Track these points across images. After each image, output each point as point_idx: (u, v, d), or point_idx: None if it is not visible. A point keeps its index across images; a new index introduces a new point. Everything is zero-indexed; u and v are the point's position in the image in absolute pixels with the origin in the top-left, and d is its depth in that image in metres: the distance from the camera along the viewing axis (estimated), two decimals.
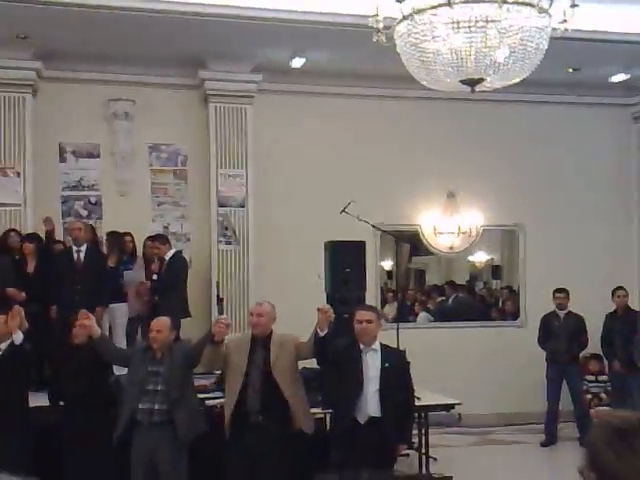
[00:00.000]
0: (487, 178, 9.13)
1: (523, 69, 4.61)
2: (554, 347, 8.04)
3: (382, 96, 8.96)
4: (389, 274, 9.19)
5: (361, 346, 4.74)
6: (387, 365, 4.71)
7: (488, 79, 4.59)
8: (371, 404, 4.63)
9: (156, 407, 4.81)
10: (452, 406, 6.73)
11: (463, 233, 9.02)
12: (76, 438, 5.00)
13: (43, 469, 4.94)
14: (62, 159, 8.38)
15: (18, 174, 7.94)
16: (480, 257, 9.56)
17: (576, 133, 9.44)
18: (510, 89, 5.29)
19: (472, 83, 4.56)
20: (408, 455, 6.41)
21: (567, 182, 9.40)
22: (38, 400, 5.41)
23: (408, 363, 5.01)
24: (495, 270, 9.81)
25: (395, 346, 5.68)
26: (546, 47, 4.54)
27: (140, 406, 4.82)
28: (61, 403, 5.34)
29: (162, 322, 5.02)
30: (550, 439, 7.96)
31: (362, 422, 4.64)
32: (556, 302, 8.17)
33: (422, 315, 9.31)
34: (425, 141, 9.03)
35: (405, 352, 4.98)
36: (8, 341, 5.02)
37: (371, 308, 5.07)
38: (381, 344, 4.85)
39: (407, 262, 8.87)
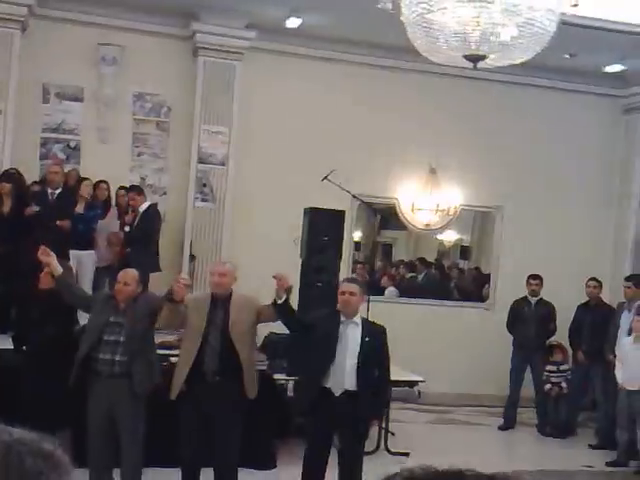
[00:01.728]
0: (470, 157, 8.79)
1: (528, 50, 4.40)
2: (522, 333, 7.78)
3: (373, 65, 8.56)
4: (357, 245, 8.90)
5: (342, 318, 4.53)
6: (367, 339, 4.50)
7: (492, 56, 4.34)
8: (348, 377, 4.44)
9: (117, 358, 4.58)
10: (415, 383, 6.53)
11: (441, 211, 8.70)
12: (37, 384, 4.78)
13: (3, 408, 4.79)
14: (45, 100, 7.92)
15: (0, 112, 7.47)
16: (449, 236, 9.26)
17: (565, 120, 9.07)
18: (502, 69, 5.01)
19: (475, 59, 4.31)
20: (393, 433, 6.20)
21: (551, 168, 9.06)
22: (1, 342, 5.20)
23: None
24: (463, 250, 9.54)
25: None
26: (554, 30, 4.28)
27: (101, 356, 4.57)
28: (24, 348, 5.10)
29: (130, 275, 4.75)
30: (508, 423, 7.75)
31: (337, 394, 4.43)
32: (529, 288, 7.91)
33: (390, 289, 9.00)
34: (412, 114, 8.64)
35: (385, 329, 4.69)
36: None
37: (355, 281, 4.87)
38: (362, 318, 4.65)
39: (376, 235, 8.60)
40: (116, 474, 4.69)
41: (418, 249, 9.47)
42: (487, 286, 9.17)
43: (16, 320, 5.53)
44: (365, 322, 4.63)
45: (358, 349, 4.45)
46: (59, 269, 4.69)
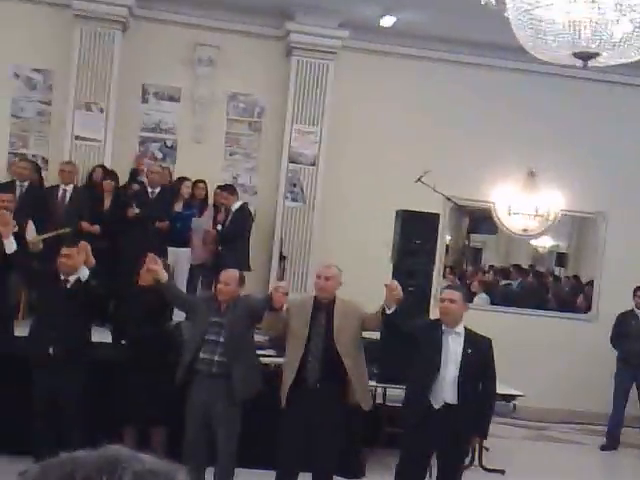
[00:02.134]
0: (571, 159, 8.34)
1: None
2: (628, 348, 7.25)
3: (469, 63, 8.27)
4: (446, 249, 8.60)
5: (443, 327, 4.30)
6: (470, 351, 4.24)
7: (604, 54, 4.04)
8: (448, 390, 4.20)
9: (216, 358, 4.57)
10: (513, 397, 6.22)
11: (540, 216, 8.31)
12: (138, 375, 4.88)
13: (101, 402, 4.95)
14: (144, 100, 8.10)
15: (102, 110, 7.70)
16: (545, 242, 8.82)
17: None
18: (603, 68, 4.69)
19: (586, 57, 4.02)
20: (487, 449, 5.95)
21: None
22: (99, 336, 5.30)
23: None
24: (560, 257, 9.06)
25: None
26: None
27: (201, 355, 4.59)
28: (122, 343, 5.21)
29: (232, 275, 4.74)
30: (611, 443, 7.23)
31: (436, 407, 4.22)
32: (636, 301, 7.39)
33: (481, 296, 8.65)
34: (510, 115, 8.29)
35: (491, 340, 4.40)
36: (77, 275, 4.85)
37: (457, 288, 4.64)
38: (466, 328, 4.36)
39: (465, 239, 8.29)
40: (209, 473, 4.69)
41: (509, 254, 9.08)
42: (582, 296, 8.73)
43: (115, 315, 5.63)
44: (468, 332, 4.35)
45: (459, 360, 4.21)
46: (165, 276, 4.75)
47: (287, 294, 4.47)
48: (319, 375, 4.36)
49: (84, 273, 4.78)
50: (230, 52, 8.07)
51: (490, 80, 8.31)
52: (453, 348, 4.24)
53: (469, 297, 8.17)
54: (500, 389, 6.07)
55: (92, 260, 4.98)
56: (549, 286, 9.07)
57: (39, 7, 7.76)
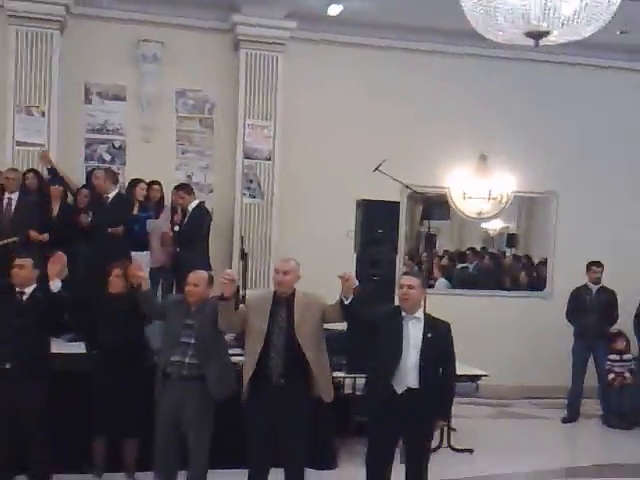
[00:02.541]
0: (521, 142, 8.45)
1: (590, 26, 4.10)
2: (584, 322, 7.46)
3: (419, 50, 8.27)
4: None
5: (403, 313, 4.32)
6: (430, 335, 4.27)
7: (555, 33, 4.08)
8: (410, 375, 4.22)
9: (187, 360, 4.50)
10: (477, 377, 6.30)
11: (493, 199, 8.42)
12: (108, 385, 4.76)
13: (72, 416, 4.83)
14: (87, 100, 7.81)
15: (43, 114, 7.39)
16: (495, 224, 8.94)
17: (617, 99, 8.68)
18: (551, 49, 4.75)
19: (537, 36, 4.06)
20: (454, 429, 5.99)
21: (604, 149, 8.70)
22: (59, 347, 5.18)
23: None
24: (510, 238, 9.20)
25: None
26: (618, 4, 4.01)
27: (172, 358, 4.50)
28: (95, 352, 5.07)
29: (200, 276, 4.67)
30: (572, 415, 7.45)
31: (399, 392, 4.24)
32: (592, 276, 7.58)
33: (441, 281, 8.72)
34: (460, 100, 8.33)
35: (450, 324, 4.43)
36: (32, 286, 4.67)
37: (416, 274, 4.61)
38: (425, 313, 4.41)
39: (419, 225, 8.35)
40: (182, 476, 4.60)
41: (462, 239, 9.18)
42: (535, 274, 8.90)
43: (85, 324, 5.40)
44: (428, 318, 4.40)
45: (420, 345, 4.24)
46: (147, 283, 4.69)
47: (233, 280, 4.34)
48: (282, 370, 4.32)
49: (57, 285, 4.61)
50: (176, 47, 7.85)
51: (441, 66, 8.34)
52: (413, 333, 4.26)
53: (428, 283, 8.28)
54: (464, 370, 6.15)
55: (66, 271, 4.87)
56: (504, 267, 9.22)
57: None
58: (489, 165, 8.51)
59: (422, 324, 4.33)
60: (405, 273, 4.59)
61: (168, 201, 7.31)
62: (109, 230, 6.52)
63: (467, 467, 5.77)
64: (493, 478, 5.61)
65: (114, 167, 7.62)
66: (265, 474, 4.44)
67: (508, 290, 8.80)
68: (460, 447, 6.15)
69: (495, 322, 8.35)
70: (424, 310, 4.43)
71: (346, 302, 4.30)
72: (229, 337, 5.57)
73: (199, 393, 4.49)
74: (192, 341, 4.52)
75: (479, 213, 8.56)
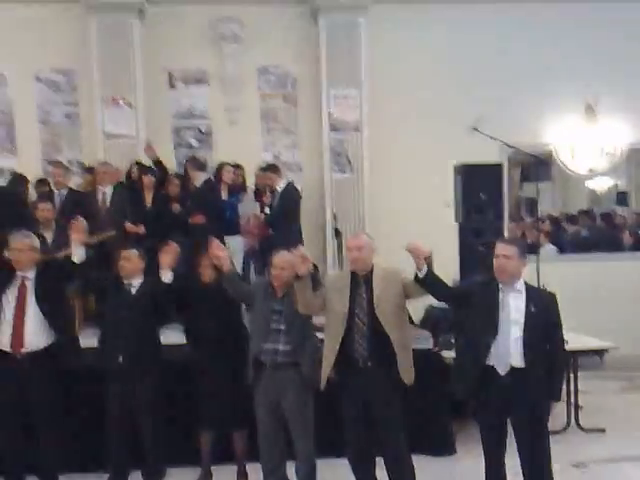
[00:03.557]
0: (631, 90, 7.62)
1: None
2: None
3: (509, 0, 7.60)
4: None
5: (500, 285, 3.85)
6: (533, 309, 3.79)
7: None
8: (513, 353, 3.76)
9: (280, 348, 4.23)
10: (604, 350, 5.70)
11: (607, 153, 7.63)
12: (212, 377, 4.55)
13: (176, 407, 4.67)
14: (171, 86, 7.68)
15: (130, 104, 7.31)
16: (602, 182, 8.14)
17: None
18: None
19: None
20: (581, 407, 5.47)
21: None
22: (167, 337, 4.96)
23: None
24: (620, 196, 8.39)
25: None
26: None
27: (265, 346, 4.25)
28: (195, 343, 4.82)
29: (285, 258, 4.33)
30: None
31: (502, 373, 3.79)
32: None
33: (548, 247, 7.98)
34: (559, 47, 7.59)
35: (555, 295, 3.95)
36: (140, 278, 4.57)
37: (513, 241, 4.07)
38: (527, 284, 3.92)
39: (518, 189, 7.72)
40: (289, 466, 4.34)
41: (565, 200, 8.44)
42: None
43: (188, 315, 5.25)
44: (530, 289, 3.91)
45: (523, 320, 3.77)
46: (229, 264, 4.40)
47: (304, 258, 4.01)
48: (368, 353, 3.98)
49: (168, 276, 4.48)
50: (254, 24, 7.57)
51: (535, 14, 7.60)
52: (515, 307, 3.80)
53: (533, 249, 7.63)
54: (587, 343, 5.59)
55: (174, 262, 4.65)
56: (619, 227, 8.42)
57: (49, 5, 7.36)
58: (597, 115, 7.72)
59: (524, 296, 3.85)
60: (500, 241, 4.05)
61: (251, 183, 7.06)
62: (189, 221, 6.34)
63: (599, 448, 5.18)
64: (630, 459, 4.98)
65: (201, 152, 7.48)
66: (369, 462, 4.13)
67: (626, 252, 7.99)
68: (590, 427, 5.57)
69: (614, 288, 7.60)
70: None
71: (420, 275, 3.89)
72: (319, 322, 5.27)
73: (296, 380, 4.23)
74: (282, 327, 4.26)
75: (591, 170, 7.78)
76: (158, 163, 6.94)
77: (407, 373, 4.10)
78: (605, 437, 5.47)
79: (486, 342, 3.78)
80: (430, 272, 3.90)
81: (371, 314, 4.01)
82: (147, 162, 6.95)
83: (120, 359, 4.42)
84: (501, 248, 3.87)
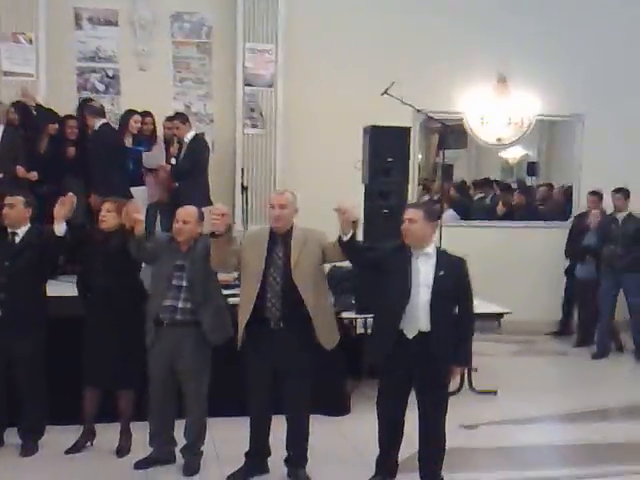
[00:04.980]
0: (543, 61, 7.62)
1: None
2: (612, 253, 6.83)
3: None
4: (418, 168, 7.86)
5: (412, 250, 3.75)
6: (442, 273, 3.71)
7: None
8: (422, 317, 3.68)
9: (180, 305, 4.00)
10: (500, 315, 5.75)
11: (514, 123, 7.65)
12: (101, 333, 4.22)
13: (64, 361, 4.36)
14: (78, 26, 7.12)
15: (30, 41, 6.73)
16: (514, 152, 8.19)
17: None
18: None
19: None
20: (475, 370, 5.47)
21: (632, 70, 7.90)
22: (56, 289, 4.64)
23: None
24: (531, 167, 8.49)
25: None
26: None
27: (164, 303, 4.00)
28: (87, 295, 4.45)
29: (189, 212, 4.10)
30: (602, 351, 6.83)
31: (410, 337, 3.71)
32: (615, 203, 6.91)
33: (449, 213, 7.82)
34: (476, 17, 7.49)
35: (465, 260, 3.86)
36: (26, 226, 4.21)
37: (420, 205, 4.00)
38: (438, 249, 3.85)
39: (435, 155, 7.67)
40: (179, 426, 4.16)
41: (479, 168, 8.47)
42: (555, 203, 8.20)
43: (78, 266, 4.87)
44: (441, 253, 3.83)
45: (431, 284, 3.69)
46: (142, 227, 4.10)
47: (224, 215, 3.76)
48: (281, 314, 3.82)
49: (62, 228, 4.10)
50: None
51: None
52: (424, 271, 3.71)
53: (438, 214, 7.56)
54: (485, 308, 5.62)
55: (71, 213, 4.25)
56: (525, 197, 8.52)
57: None
58: (509, 87, 7.71)
59: (434, 260, 3.75)
60: (408, 205, 3.97)
61: (161, 133, 6.69)
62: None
63: (491, 410, 5.24)
64: (519, 422, 5.05)
65: (108, 97, 7.04)
66: (267, 422, 4.02)
67: (528, 221, 8.11)
68: (483, 389, 5.62)
69: (516, 255, 7.71)
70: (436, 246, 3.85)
71: (345, 238, 3.72)
72: (229, 276, 5.03)
73: (195, 339, 4.02)
74: (184, 284, 4.02)
75: (499, 139, 7.80)
76: (39, 107, 6.46)
77: (326, 336, 3.95)
78: (497, 399, 5.52)
79: (399, 307, 3.68)
80: (354, 237, 3.73)
81: (287, 275, 3.83)
82: None
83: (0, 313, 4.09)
84: (407, 212, 3.77)
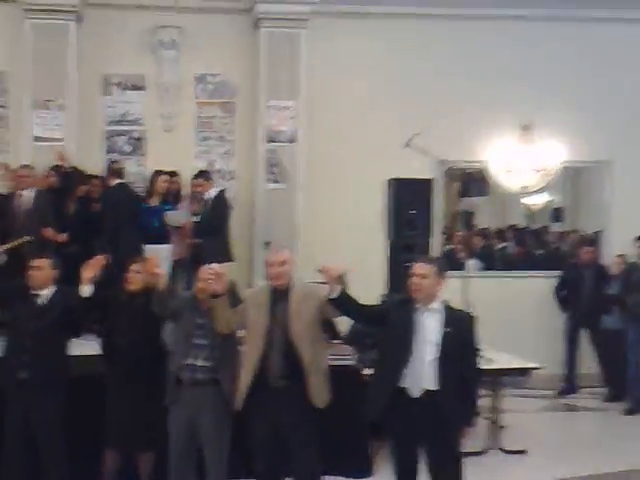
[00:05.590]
0: (568, 109, 7.50)
1: None
2: (636, 301, 6.49)
3: (450, 15, 7.41)
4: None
5: (417, 305, 3.63)
6: (449, 330, 3.58)
7: None
8: (427, 375, 3.55)
9: (199, 364, 3.94)
10: (528, 370, 5.50)
11: (540, 171, 7.50)
12: (123, 394, 4.20)
13: (85, 421, 4.32)
14: (106, 92, 7.33)
15: (61, 107, 6.94)
16: (537, 199, 8.01)
17: None
18: (600, 3, 3.89)
19: None
20: (503, 427, 5.24)
21: None
22: (80, 348, 4.60)
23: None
24: (555, 213, 8.29)
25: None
26: None
27: (184, 362, 3.95)
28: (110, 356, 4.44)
29: (211, 270, 4.00)
30: (636, 405, 6.51)
31: (416, 395, 3.57)
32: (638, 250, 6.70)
33: (471, 262, 7.71)
34: (497, 66, 7.46)
35: (473, 315, 3.77)
36: (51, 288, 4.21)
37: (430, 260, 3.87)
38: (444, 304, 3.70)
39: (456, 203, 7.57)
40: None
41: (502, 216, 8.32)
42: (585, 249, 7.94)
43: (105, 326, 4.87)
44: (447, 309, 3.69)
45: (438, 341, 3.57)
46: (164, 281, 4.12)
47: (219, 275, 3.75)
48: (282, 371, 3.75)
49: (87, 290, 4.10)
50: (193, 32, 7.28)
51: (471, 32, 7.47)
52: (429, 327, 3.60)
53: (447, 269, 7.25)
54: (511, 362, 5.39)
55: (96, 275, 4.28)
56: (548, 244, 8.32)
57: None
58: (533, 135, 7.60)
59: (441, 316, 3.64)
60: (418, 259, 3.85)
61: (186, 191, 6.76)
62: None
63: (520, 471, 4.99)
64: None
65: (134, 158, 7.19)
66: None
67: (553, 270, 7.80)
68: (511, 448, 5.34)
69: (542, 305, 7.44)
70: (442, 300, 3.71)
71: (332, 296, 3.64)
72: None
73: (215, 399, 3.93)
74: (205, 342, 3.96)
75: (524, 187, 7.64)
76: (74, 170, 6.61)
77: (318, 394, 3.84)
78: (526, 459, 5.23)
79: (400, 363, 3.56)
80: (343, 293, 3.64)
81: (287, 331, 3.76)
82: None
83: (23, 375, 4.07)
84: (417, 267, 3.66)
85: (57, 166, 6.60)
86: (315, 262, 3.89)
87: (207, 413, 3.92)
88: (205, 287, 3.96)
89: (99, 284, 4.42)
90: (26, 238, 5.66)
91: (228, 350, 3.99)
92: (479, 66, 7.49)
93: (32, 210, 6.16)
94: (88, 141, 7.07)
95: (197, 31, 7.28)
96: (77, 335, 4.54)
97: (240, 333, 4.38)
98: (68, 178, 6.50)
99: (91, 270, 4.13)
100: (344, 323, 5.62)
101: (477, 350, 3.72)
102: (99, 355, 4.45)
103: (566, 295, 7.19)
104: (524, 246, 8.24)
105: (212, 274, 3.72)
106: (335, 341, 4.87)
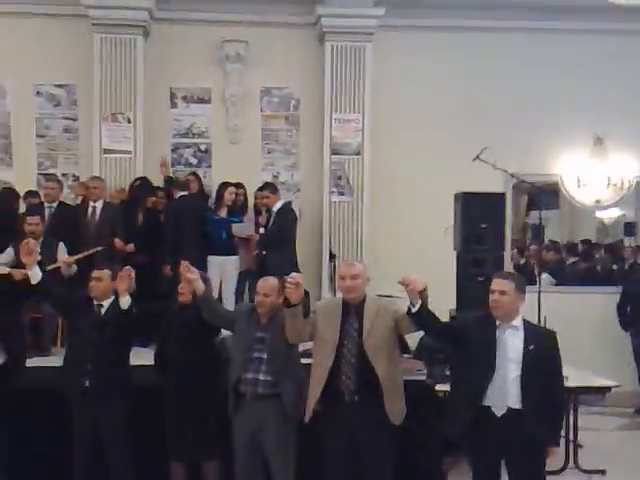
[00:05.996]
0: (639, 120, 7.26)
1: None
2: None
3: (521, 28, 7.26)
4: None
5: (497, 322, 3.50)
6: (532, 347, 3.45)
7: None
8: (511, 393, 3.41)
9: (261, 378, 3.86)
10: (606, 389, 5.23)
11: (614, 185, 7.23)
12: (179, 405, 4.17)
13: (144, 431, 4.29)
14: (173, 104, 7.39)
15: (129, 120, 7.03)
16: (610, 213, 7.74)
17: None
18: None
19: None
20: (581, 446, 4.98)
21: None
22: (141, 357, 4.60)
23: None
24: (628, 227, 7.98)
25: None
26: None
27: (244, 376, 3.87)
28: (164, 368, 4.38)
29: (269, 284, 3.99)
30: None
31: (499, 415, 3.42)
32: None
33: (543, 277, 7.47)
34: (570, 80, 7.24)
35: (555, 333, 3.61)
36: (111, 299, 4.21)
37: (509, 276, 3.69)
38: (524, 321, 3.57)
39: (525, 216, 7.33)
40: None
41: (573, 229, 8.07)
42: None
43: (158, 337, 4.84)
44: (529, 326, 3.56)
45: (521, 358, 3.43)
46: (201, 286, 4.00)
47: (298, 285, 3.61)
48: (355, 386, 3.63)
49: (125, 302, 4.09)
50: (259, 45, 7.29)
51: (542, 44, 7.31)
52: (512, 345, 3.47)
53: (526, 284, 7.02)
54: (588, 381, 5.13)
55: (133, 286, 4.29)
56: (623, 259, 7.98)
57: (54, 20, 7.10)
58: (606, 148, 7.34)
59: (522, 334, 3.50)
60: (496, 275, 3.70)
61: (252, 203, 6.73)
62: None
63: None
64: None
65: (200, 170, 7.18)
66: None
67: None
68: (590, 467, 5.08)
69: (611, 321, 7.10)
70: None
71: (413, 310, 3.50)
72: (304, 348, 4.84)
73: (277, 413, 3.85)
74: (265, 356, 3.89)
75: (597, 201, 7.38)
76: (169, 180, 6.69)
77: (395, 412, 3.71)
78: (606, 479, 4.98)
79: (482, 382, 3.43)
80: (424, 307, 3.52)
81: (360, 346, 3.66)
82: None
83: (86, 383, 4.07)
84: (497, 283, 3.53)
85: (141, 177, 6.69)
86: (381, 275, 3.80)
87: (270, 428, 3.85)
88: (262, 301, 3.91)
89: (160, 295, 4.39)
90: (97, 248, 5.69)
91: (289, 363, 3.92)
92: (550, 80, 7.28)
93: (100, 221, 6.21)
94: (155, 153, 7.12)
95: (262, 45, 7.29)
96: (131, 345, 4.50)
97: (307, 345, 4.31)
98: (140, 189, 6.52)
99: (123, 282, 4.10)
100: (412, 337, 5.53)
101: (561, 367, 3.55)
102: (150, 365, 4.44)
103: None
104: (593, 261, 7.91)
105: (292, 283, 3.61)
106: (405, 355, 4.71)
